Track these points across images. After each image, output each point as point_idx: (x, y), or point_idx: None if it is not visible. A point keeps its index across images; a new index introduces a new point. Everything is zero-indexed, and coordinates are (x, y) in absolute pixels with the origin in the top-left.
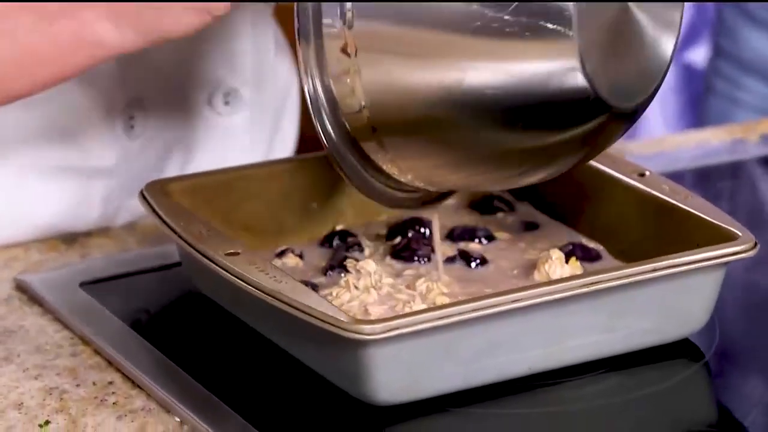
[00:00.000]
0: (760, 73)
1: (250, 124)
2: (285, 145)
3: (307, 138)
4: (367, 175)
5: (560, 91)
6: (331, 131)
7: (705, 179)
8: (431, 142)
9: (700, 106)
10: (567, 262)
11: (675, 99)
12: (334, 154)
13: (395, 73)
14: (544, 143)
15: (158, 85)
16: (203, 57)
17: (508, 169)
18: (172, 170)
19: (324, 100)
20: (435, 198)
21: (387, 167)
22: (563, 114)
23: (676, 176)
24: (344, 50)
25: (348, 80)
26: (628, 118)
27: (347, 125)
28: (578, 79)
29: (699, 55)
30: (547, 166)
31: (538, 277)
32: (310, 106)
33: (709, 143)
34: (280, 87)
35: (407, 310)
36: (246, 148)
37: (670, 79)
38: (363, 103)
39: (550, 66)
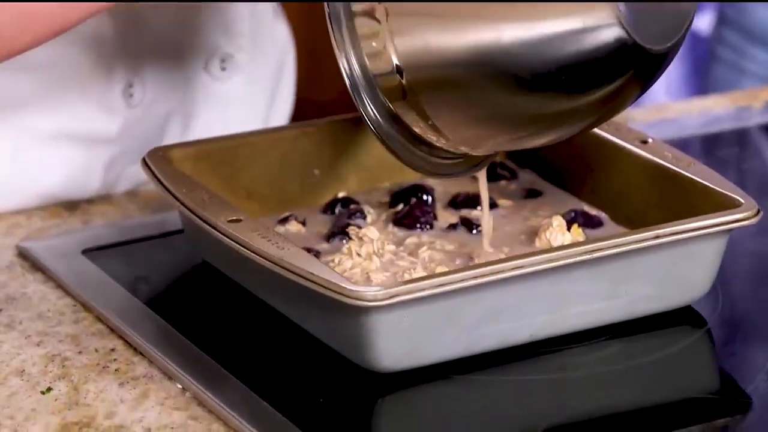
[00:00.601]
0: (765, 43)
1: (247, 90)
2: (282, 111)
3: (304, 100)
4: (409, 145)
5: (598, 43)
6: (371, 106)
7: (709, 147)
8: (464, 100)
9: (704, 73)
10: (569, 229)
11: (679, 66)
12: (376, 128)
13: (427, 34)
14: (569, 101)
15: (156, 53)
16: (200, 23)
17: (522, 130)
18: (171, 137)
19: (360, 75)
20: (478, 163)
21: (422, 130)
22: (597, 67)
23: (680, 143)
24: (374, 16)
25: (375, 44)
26: (651, 71)
27: (379, 88)
28: (616, 30)
29: (704, 22)
30: (560, 128)
31: (539, 244)
32: (347, 82)
33: (713, 111)
34: (277, 52)
35: (408, 277)
36: (243, 114)
37: None
38: (396, 64)
39: (587, 20)
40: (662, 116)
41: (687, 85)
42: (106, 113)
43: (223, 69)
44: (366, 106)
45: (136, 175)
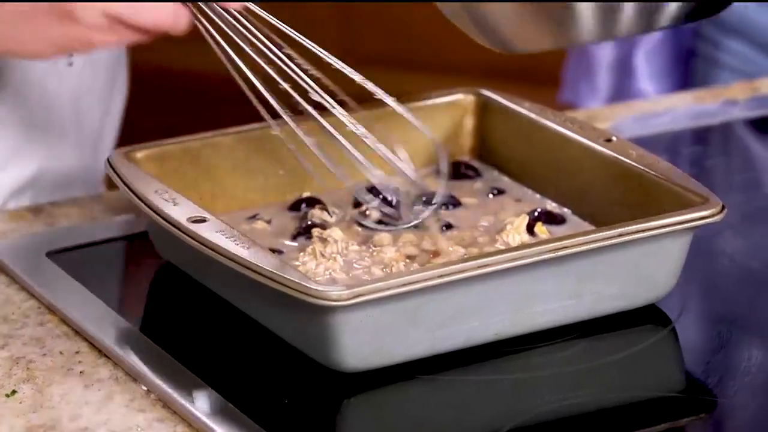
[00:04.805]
0: (741, 35)
1: (91, 82)
2: (116, 107)
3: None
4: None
5: None
6: None
7: (684, 143)
8: None
9: (688, 59)
10: (533, 227)
11: (663, 51)
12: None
13: None
14: None
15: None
16: None
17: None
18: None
19: None
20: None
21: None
22: None
23: (648, 141)
24: None
25: None
26: None
27: None
28: None
29: None
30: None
31: (500, 245)
32: None
33: (676, 108)
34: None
35: (373, 276)
36: (89, 106)
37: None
38: None
39: None
40: (631, 113)
41: (671, 72)
42: None
43: (71, 65)
44: None
45: (7, 184)
